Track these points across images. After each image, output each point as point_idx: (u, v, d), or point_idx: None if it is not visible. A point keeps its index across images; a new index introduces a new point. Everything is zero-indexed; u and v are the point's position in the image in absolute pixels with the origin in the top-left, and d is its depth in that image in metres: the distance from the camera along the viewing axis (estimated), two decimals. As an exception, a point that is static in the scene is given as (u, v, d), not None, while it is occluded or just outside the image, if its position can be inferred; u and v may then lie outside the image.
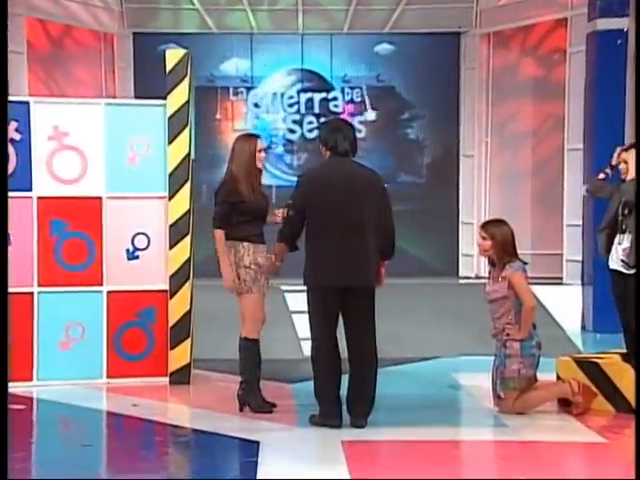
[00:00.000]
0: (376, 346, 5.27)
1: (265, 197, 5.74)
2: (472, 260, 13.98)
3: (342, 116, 14.49)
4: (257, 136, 5.82)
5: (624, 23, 9.14)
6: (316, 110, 14.64)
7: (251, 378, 5.56)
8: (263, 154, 5.69)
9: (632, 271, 5.54)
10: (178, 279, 6.60)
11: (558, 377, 5.88)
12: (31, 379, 6.50)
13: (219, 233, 5.55)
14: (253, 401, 5.55)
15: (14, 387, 6.27)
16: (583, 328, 9.30)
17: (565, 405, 5.65)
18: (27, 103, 6.66)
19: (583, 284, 9.56)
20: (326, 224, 5.16)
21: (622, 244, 5.65)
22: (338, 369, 5.22)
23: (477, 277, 13.44)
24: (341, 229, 5.14)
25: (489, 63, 13.62)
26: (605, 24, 9.24)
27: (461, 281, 14.02)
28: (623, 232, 5.65)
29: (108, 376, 6.61)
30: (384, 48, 14.21)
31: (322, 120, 14.52)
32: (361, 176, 5.29)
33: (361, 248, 5.15)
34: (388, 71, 14.39)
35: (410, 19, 13.43)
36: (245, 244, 5.53)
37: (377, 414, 5.33)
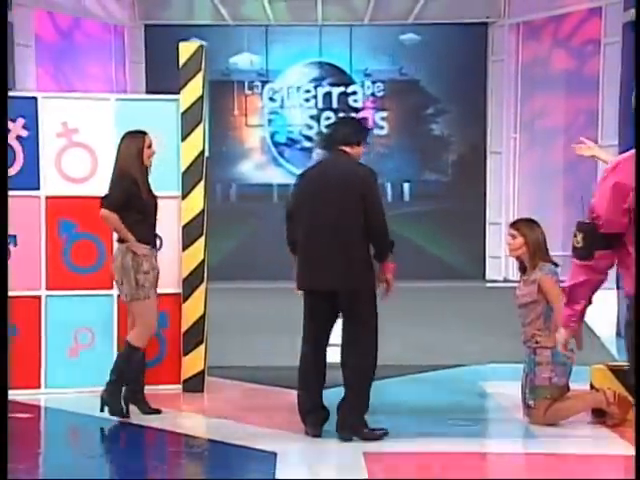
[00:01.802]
0: (369, 353, 5.18)
1: (154, 196, 5.87)
2: (500, 262, 13.95)
3: (363, 111, 14.50)
4: (144, 133, 5.89)
5: (662, 12, 9.08)
6: (334, 105, 14.65)
7: (118, 384, 5.69)
8: (152, 150, 5.84)
9: None
10: (191, 282, 6.61)
11: (592, 386, 5.84)
12: (38, 386, 6.53)
13: (113, 216, 5.66)
14: (114, 404, 5.69)
15: (21, 395, 6.32)
16: (618, 334, 9.23)
17: (599, 416, 5.61)
18: (35, 99, 6.70)
19: (618, 287, 9.49)
20: (306, 226, 5.25)
21: None
22: (317, 374, 5.27)
23: (505, 280, 13.40)
24: (318, 231, 5.18)
25: (518, 55, 13.57)
26: (642, 13, 9.18)
27: (488, 285, 13.98)
28: None
29: (119, 383, 6.63)
30: (409, 38, 14.20)
31: (340, 115, 14.55)
32: (340, 174, 5.22)
33: (340, 250, 5.12)
34: (411, 64, 14.39)
35: (435, 9, 13.41)
36: (145, 248, 5.70)
37: (401, 423, 5.32)
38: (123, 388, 5.73)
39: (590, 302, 3.42)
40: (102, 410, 5.70)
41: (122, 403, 5.71)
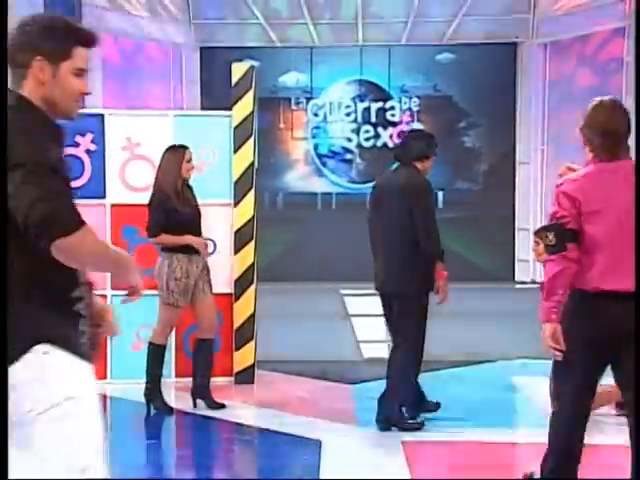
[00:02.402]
0: (409, 350, 5.17)
1: (197, 207, 5.77)
2: (528, 265, 13.81)
3: (400, 125, 14.46)
4: (185, 147, 5.81)
5: (682, 31, 8.95)
6: (373, 119, 14.64)
7: (154, 380, 5.69)
8: (191, 164, 5.73)
9: None
10: (242, 283, 6.64)
11: (616, 381, 5.76)
12: (105, 377, 6.60)
13: (160, 237, 5.58)
14: (157, 401, 5.67)
15: (88, 385, 6.40)
16: None
17: (623, 408, 5.52)
18: (102, 115, 6.78)
19: (640, 289, 9.36)
20: (370, 232, 5.37)
21: None
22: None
23: (533, 282, 13.26)
24: (378, 235, 5.28)
25: (545, 72, 13.44)
26: (662, 32, 9.06)
27: (517, 286, 13.84)
28: None
29: (176, 375, 6.67)
30: (445, 57, 14.14)
31: (379, 129, 14.52)
32: (396, 184, 5.23)
33: (391, 252, 5.17)
34: (445, 81, 14.32)
35: (468, 30, 13.34)
36: (179, 256, 5.59)
37: (437, 415, 5.30)
38: (160, 382, 5.76)
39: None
40: (148, 408, 5.70)
41: (162, 398, 5.70)
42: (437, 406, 5.44)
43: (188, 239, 5.61)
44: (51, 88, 2.23)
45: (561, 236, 3.43)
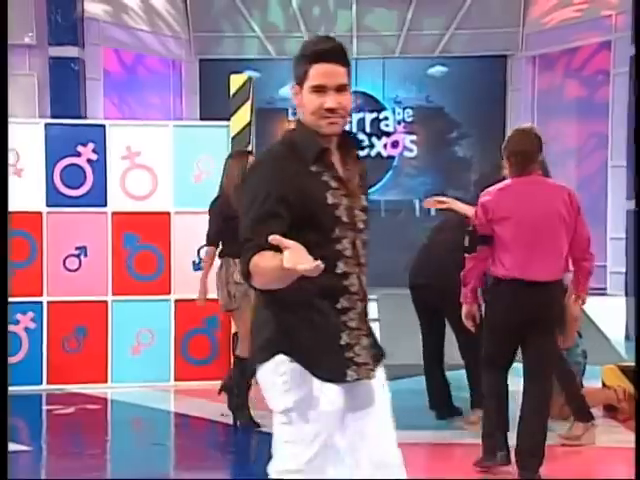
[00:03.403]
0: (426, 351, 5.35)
1: None
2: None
3: (393, 135, 14.48)
4: (249, 153, 5.59)
5: (667, 45, 8.98)
6: (367, 129, 14.66)
7: (241, 396, 5.32)
8: None
9: None
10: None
11: (604, 384, 5.76)
12: (106, 381, 6.59)
13: (208, 250, 5.42)
14: (241, 417, 5.35)
15: (90, 388, 6.39)
16: (627, 337, 9.10)
17: (610, 411, 5.53)
18: (103, 126, 6.78)
19: (627, 295, 9.37)
20: None
21: None
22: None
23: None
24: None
25: (534, 84, 13.47)
26: (648, 46, 9.08)
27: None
28: None
29: (175, 379, 6.67)
30: (437, 70, 14.16)
31: (374, 138, 14.52)
32: None
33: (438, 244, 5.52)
34: (437, 92, 14.33)
35: (459, 43, 13.37)
36: (236, 260, 5.05)
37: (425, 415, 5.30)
38: (247, 399, 5.35)
39: (481, 284, 4.42)
40: (235, 424, 5.39)
41: (250, 413, 5.32)
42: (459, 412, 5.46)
43: (203, 276, 5.47)
44: (303, 110, 2.34)
45: (473, 240, 4.24)
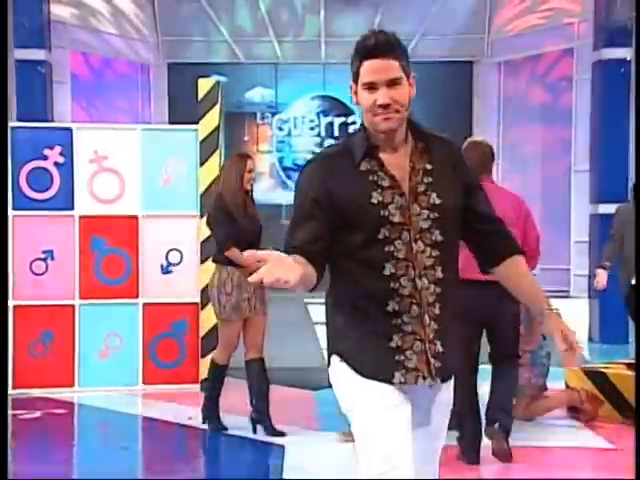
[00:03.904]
0: None
1: (256, 219, 5.22)
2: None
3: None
4: (247, 156, 5.32)
5: (627, 53, 9.13)
6: (336, 133, 14.69)
7: (211, 398, 5.28)
8: (252, 174, 5.16)
9: None
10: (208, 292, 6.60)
11: (567, 386, 5.82)
12: (73, 385, 6.52)
13: (232, 251, 5.01)
14: (212, 420, 5.28)
15: (57, 393, 6.32)
16: (590, 339, 9.21)
17: (574, 412, 5.59)
18: (70, 129, 6.72)
19: (590, 297, 9.48)
20: None
21: None
22: None
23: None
24: None
25: (500, 90, 13.60)
26: (609, 54, 9.22)
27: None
28: None
29: (144, 383, 6.62)
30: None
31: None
32: None
33: None
34: (405, 97, 14.42)
35: (426, 49, 13.45)
36: (229, 269, 5.05)
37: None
38: (218, 402, 5.31)
39: None
40: (204, 422, 5.30)
41: (219, 419, 5.26)
42: None
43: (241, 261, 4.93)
44: (361, 108, 2.26)
45: None
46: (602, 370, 5.78)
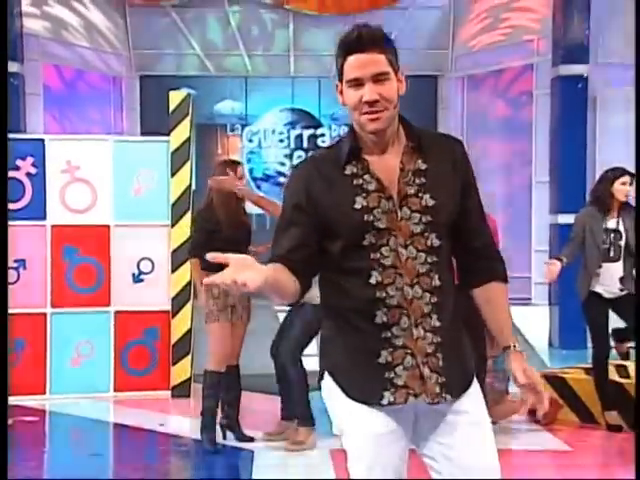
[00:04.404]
0: None
1: (245, 225, 5.14)
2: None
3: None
4: (237, 163, 5.25)
5: (584, 69, 9.28)
6: (305, 145, 14.72)
7: (210, 411, 4.99)
8: (244, 181, 5.15)
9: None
10: (179, 300, 6.58)
11: (527, 390, 5.86)
12: (44, 392, 6.45)
13: (193, 262, 5.06)
14: (207, 436, 4.97)
15: (28, 400, 6.24)
16: (550, 345, 9.31)
17: (534, 416, 5.63)
18: (42, 140, 6.67)
19: (550, 304, 9.58)
20: None
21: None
22: None
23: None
24: None
25: (463, 104, 13.72)
26: (567, 70, 9.36)
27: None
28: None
29: (115, 390, 6.57)
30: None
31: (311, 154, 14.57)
32: None
33: None
34: (372, 110, 14.50)
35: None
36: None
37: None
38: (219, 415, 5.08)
39: None
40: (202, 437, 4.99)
41: (215, 431, 5.00)
42: None
43: (199, 289, 5.00)
44: (348, 108, 2.07)
45: None
46: (561, 375, 5.85)
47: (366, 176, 2.04)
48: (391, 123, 2.07)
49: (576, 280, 5.39)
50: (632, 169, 5.27)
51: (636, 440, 3.89)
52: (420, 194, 2.03)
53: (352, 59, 2.02)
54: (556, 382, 5.73)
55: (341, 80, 2.06)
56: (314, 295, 4.89)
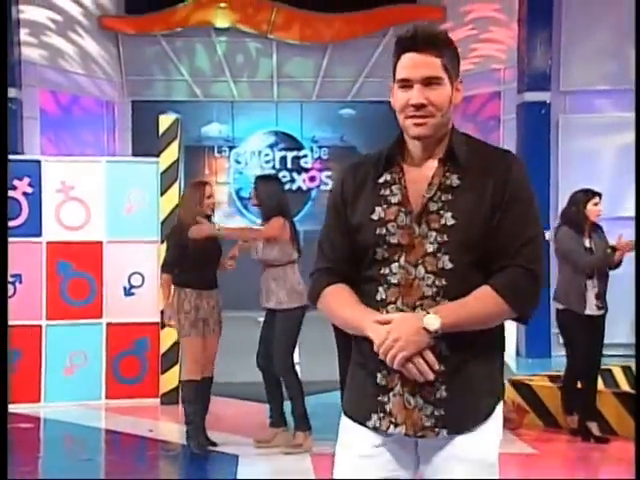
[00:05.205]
0: None
1: (217, 242, 5.15)
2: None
3: (311, 171, 14.60)
4: (205, 183, 5.29)
5: (546, 96, 9.41)
6: (289, 166, 14.76)
7: (194, 420, 4.97)
8: (212, 200, 5.12)
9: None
10: (168, 313, 6.55)
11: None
12: (39, 401, 6.39)
13: (164, 277, 5.05)
14: (193, 442, 4.94)
15: (23, 408, 6.18)
16: (517, 354, 9.35)
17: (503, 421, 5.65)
18: (38, 162, 6.65)
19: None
20: None
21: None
22: None
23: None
24: None
25: (436, 127, 13.82)
26: (531, 97, 9.49)
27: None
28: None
29: (107, 398, 6.52)
30: (347, 113, 14.41)
31: (294, 174, 14.60)
32: None
33: None
34: (350, 133, 14.56)
35: (369, 89, 13.61)
36: (187, 290, 4.96)
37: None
38: (204, 421, 5.05)
39: None
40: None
41: (206, 437, 5.01)
42: None
43: (165, 304, 5.04)
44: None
45: None
46: (527, 382, 5.88)
47: (395, 187, 1.82)
48: (438, 132, 1.81)
49: (561, 297, 5.22)
50: (595, 189, 5.29)
51: (636, 441, 3.88)
52: (442, 212, 1.77)
53: (405, 58, 1.80)
54: (522, 389, 5.76)
55: (394, 80, 1.85)
56: (282, 300, 4.89)
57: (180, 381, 5.12)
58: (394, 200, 1.81)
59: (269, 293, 5.01)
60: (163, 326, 6.51)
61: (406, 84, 1.80)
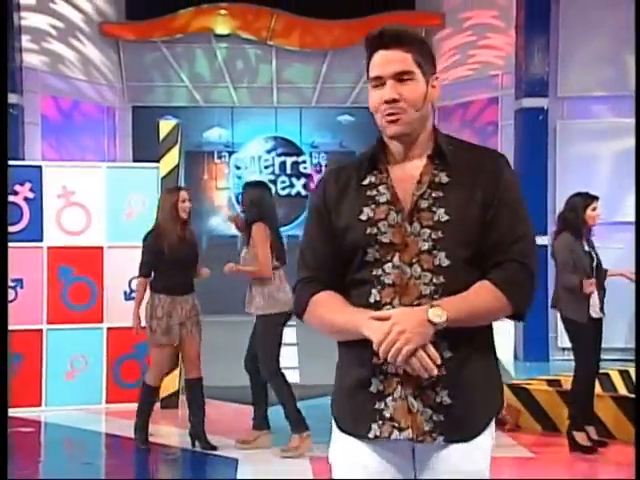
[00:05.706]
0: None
1: (193, 247, 5.25)
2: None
3: (310, 177, 14.62)
4: (180, 188, 5.41)
5: (544, 102, 9.43)
6: (288, 171, 14.78)
7: (142, 420, 5.19)
8: (187, 204, 5.18)
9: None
10: (169, 317, 6.55)
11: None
12: (40, 405, 6.39)
13: (139, 281, 5.19)
14: (138, 440, 5.16)
15: (24, 412, 6.18)
16: (515, 358, 9.35)
17: (498, 424, 5.66)
18: (40, 167, 6.66)
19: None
20: None
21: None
22: None
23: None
24: None
25: (434, 133, 13.84)
26: (529, 103, 9.51)
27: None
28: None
29: (107, 402, 6.53)
30: (346, 119, 14.43)
31: (294, 179, 14.62)
32: None
33: None
34: (349, 138, 14.57)
35: (367, 96, 13.68)
36: (161, 296, 5.03)
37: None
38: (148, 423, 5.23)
39: None
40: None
41: (146, 435, 5.18)
42: None
43: (134, 308, 5.18)
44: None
45: None
46: (525, 386, 5.89)
47: (381, 187, 1.78)
48: (414, 129, 1.79)
49: (564, 304, 5.09)
50: (592, 193, 5.28)
51: (636, 441, 3.87)
52: (434, 208, 1.74)
53: (375, 57, 1.78)
54: (520, 393, 5.77)
55: (369, 83, 1.82)
56: (259, 306, 4.88)
57: (142, 382, 5.23)
58: (382, 199, 1.78)
59: (250, 298, 5.08)
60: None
61: (379, 82, 1.78)
